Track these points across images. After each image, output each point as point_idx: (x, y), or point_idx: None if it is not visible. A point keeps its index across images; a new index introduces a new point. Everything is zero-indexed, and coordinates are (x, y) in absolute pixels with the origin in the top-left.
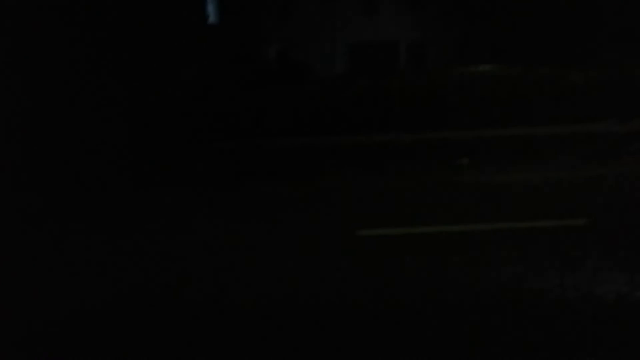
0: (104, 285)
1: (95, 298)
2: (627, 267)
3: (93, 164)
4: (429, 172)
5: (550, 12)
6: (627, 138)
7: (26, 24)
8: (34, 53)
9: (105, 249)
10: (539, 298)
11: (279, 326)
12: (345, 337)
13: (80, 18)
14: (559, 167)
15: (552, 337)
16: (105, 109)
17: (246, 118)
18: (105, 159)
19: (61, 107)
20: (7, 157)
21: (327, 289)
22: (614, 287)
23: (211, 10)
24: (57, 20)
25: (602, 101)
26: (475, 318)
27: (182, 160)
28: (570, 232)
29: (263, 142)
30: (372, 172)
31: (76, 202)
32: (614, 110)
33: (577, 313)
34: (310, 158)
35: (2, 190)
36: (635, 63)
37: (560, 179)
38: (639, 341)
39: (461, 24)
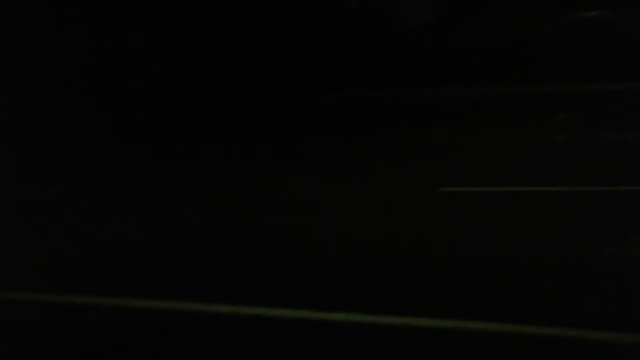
0: (187, 223)
1: (183, 234)
2: None
3: (177, 118)
4: (522, 129)
5: None
6: None
7: None
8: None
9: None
10: (626, 267)
11: (356, 267)
12: (417, 285)
13: None
14: None
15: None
16: (181, 64)
17: (327, 70)
18: (188, 113)
19: (139, 61)
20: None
21: (406, 242)
22: None
23: None
24: None
25: None
26: (547, 283)
27: (263, 114)
28: None
29: (346, 95)
30: (461, 128)
31: (157, 155)
32: None
33: None
34: (394, 112)
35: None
36: None
37: None
38: None
39: None
